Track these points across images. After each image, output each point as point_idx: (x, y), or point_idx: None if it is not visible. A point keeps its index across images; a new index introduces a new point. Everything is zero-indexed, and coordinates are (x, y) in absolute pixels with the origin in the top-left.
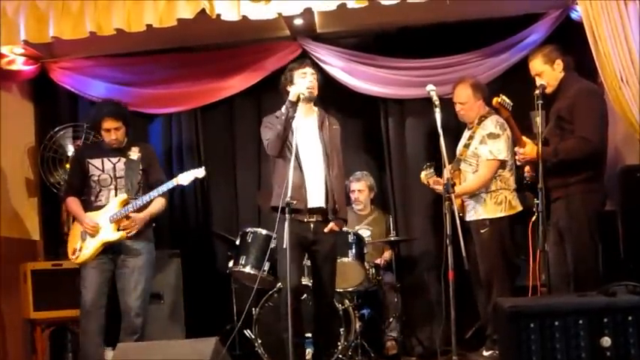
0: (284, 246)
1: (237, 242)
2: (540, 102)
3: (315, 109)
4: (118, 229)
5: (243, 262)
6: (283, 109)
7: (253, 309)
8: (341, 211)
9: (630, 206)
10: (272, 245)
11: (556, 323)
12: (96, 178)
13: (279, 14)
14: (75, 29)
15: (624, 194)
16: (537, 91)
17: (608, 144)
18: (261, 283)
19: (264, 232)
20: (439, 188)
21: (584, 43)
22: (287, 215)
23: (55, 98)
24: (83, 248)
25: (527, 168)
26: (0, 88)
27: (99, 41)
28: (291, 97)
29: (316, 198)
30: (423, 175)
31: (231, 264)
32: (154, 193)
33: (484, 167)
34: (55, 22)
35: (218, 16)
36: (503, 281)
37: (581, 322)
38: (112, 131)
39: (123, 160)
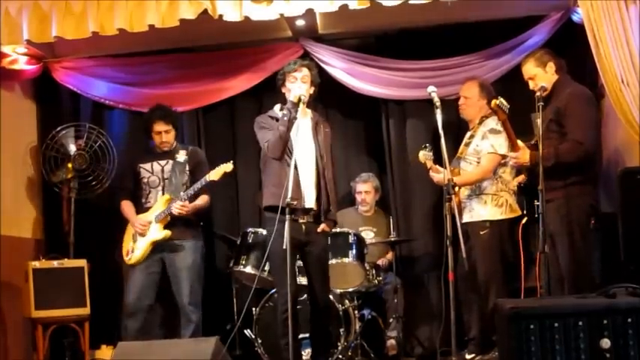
0: (284, 246)
1: (238, 242)
2: (541, 103)
3: (309, 111)
4: (164, 228)
5: (243, 262)
6: (277, 109)
7: (253, 309)
8: (331, 212)
9: (630, 208)
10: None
11: (556, 324)
12: (146, 180)
13: (281, 15)
14: (77, 29)
15: (624, 196)
16: (538, 93)
17: (609, 146)
18: (261, 282)
19: (264, 232)
20: (437, 177)
21: (586, 45)
22: (287, 216)
23: (57, 98)
24: (135, 249)
25: (521, 177)
26: (2, 87)
27: (101, 41)
28: (293, 98)
29: (309, 199)
30: (421, 154)
31: (231, 264)
32: (190, 192)
33: (485, 160)
34: (58, 21)
35: (220, 16)
36: (502, 283)
37: (581, 323)
38: (163, 134)
39: (170, 162)
